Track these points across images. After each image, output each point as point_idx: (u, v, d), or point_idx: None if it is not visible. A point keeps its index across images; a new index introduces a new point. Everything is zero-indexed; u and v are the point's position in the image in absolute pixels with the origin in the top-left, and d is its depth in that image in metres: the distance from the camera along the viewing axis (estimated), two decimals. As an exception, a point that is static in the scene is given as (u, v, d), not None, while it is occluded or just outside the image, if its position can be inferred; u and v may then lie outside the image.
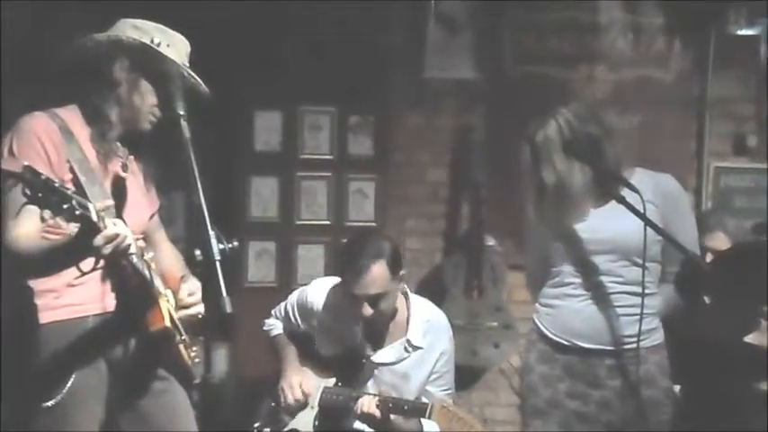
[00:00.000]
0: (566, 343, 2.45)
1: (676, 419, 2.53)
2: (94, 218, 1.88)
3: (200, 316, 2.20)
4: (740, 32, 4.14)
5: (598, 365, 2.43)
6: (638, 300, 2.38)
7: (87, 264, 2.00)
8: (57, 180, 1.84)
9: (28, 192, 1.78)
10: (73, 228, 1.87)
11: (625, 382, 2.42)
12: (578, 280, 2.45)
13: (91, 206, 1.88)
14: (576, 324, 2.44)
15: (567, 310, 2.46)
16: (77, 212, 1.83)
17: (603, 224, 2.41)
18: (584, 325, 2.43)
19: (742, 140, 4.28)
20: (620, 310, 2.41)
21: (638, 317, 2.38)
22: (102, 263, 2.01)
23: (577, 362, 2.44)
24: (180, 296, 2.23)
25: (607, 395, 2.43)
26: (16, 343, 2.15)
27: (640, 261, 2.37)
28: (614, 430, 2.44)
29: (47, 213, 1.80)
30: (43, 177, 1.79)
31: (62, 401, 2.10)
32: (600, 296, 2.42)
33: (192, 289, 2.22)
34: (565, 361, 2.45)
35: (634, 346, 2.39)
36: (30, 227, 1.95)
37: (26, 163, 1.83)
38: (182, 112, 1.94)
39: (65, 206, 1.81)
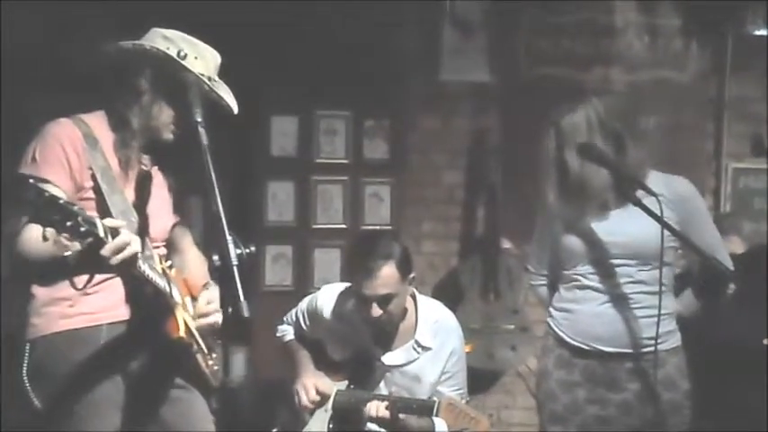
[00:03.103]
0: (585, 347, 2.43)
1: (694, 420, 2.52)
2: (101, 233, 1.86)
3: (216, 326, 2.20)
4: (757, 33, 4.12)
5: (618, 369, 2.41)
6: (655, 301, 2.35)
7: (81, 281, 1.99)
8: (61, 197, 1.82)
9: (30, 210, 1.77)
10: (76, 245, 1.86)
11: (645, 385, 2.40)
12: (596, 283, 2.43)
13: (98, 222, 1.86)
14: (595, 328, 2.42)
15: (585, 314, 2.44)
16: (82, 229, 1.81)
17: (621, 227, 2.40)
18: (604, 328, 2.41)
19: (760, 141, 4.26)
20: (638, 313, 2.38)
21: (656, 319, 2.37)
22: (99, 277, 2.01)
23: (597, 366, 2.42)
24: (198, 304, 2.24)
25: (627, 398, 2.41)
26: (18, 350, 2.15)
27: (655, 263, 2.36)
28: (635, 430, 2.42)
29: (49, 232, 1.79)
30: (47, 195, 1.77)
31: (78, 410, 2.09)
32: (618, 299, 2.40)
33: (210, 297, 2.21)
34: (584, 365, 2.44)
35: (653, 348, 2.38)
36: (39, 235, 1.95)
37: (31, 180, 1.82)
38: (199, 119, 1.94)
39: (68, 223, 1.79)
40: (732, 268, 2.40)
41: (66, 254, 1.89)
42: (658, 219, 2.30)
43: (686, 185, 2.48)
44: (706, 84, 4.22)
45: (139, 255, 1.98)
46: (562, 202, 2.44)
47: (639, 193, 2.35)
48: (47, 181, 1.99)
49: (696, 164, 4.04)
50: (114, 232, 1.90)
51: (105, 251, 1.88)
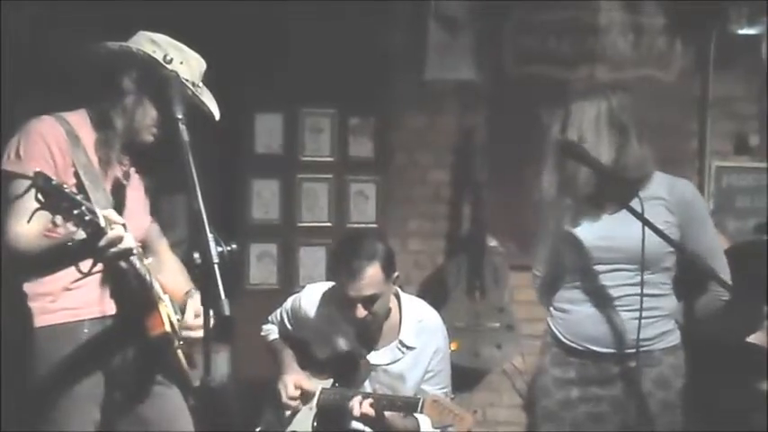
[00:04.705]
0: (578, 347, 2.45)
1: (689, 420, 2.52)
2: (102, 223, 1.90)
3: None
4: (741, 32, 4.13)
5: (611, 369, 2.42)
6: (653, 303, 2.37)
7: (85, 265, 2.01)
8: (67, 185, 1.86)
9: (40, 197, 1.80)
10: (81, 233, 1.89)
11: (638, 385, 2.41)
12: (594, 285, 2.43)
13: (99, 212, 1.90)
14: (589, 328, 2.44)
15: (580, 315, 2.46)
16: (87, 218, 1.85)
17: (617, 231, 2.40)
18: (598, 329, 2.42)
19: (744, 140, 4.27)
20: (634, 314, 2.39)
21: (653, 320, 2.39)
22: (99, 266, 2.02)
23: (591, 365, 2.43)
24: (186, 317, 2.24)
25: (620, 398, 2.42)
26: (15, 345, 2.16)
27: (655, 268, 2.36)
28: (627, 430, 2.43)
29: (59, 219, 1.83)
30: (54, 183, 1.82)
31: (58, 405, 2.11)
32: (615, 301, 2.41)
33: (198, 310, 2.21)
34: (578, 364, 2.45)
35: (649, 348, 2.39)
36: (31, 226, 1.96)
37: (38, 169, 1.85)
38: (180, 116, 1.95)
39: (75, 211, 1.83)
40: (729, 278, 2.40)
41: (70, 243, 1.92)
42: (639, 216, 2.30)
43: (689, 189, 2.49)
44: (690, 82, 4.23)
45: (134, 249, 2.00)
46: (558, 188, 2.43)
47: (645, 194, 2.35)
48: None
49: (680, 162, 4.05)
50: (111, 224, 1.93)
51: (102, 242, 1.90)
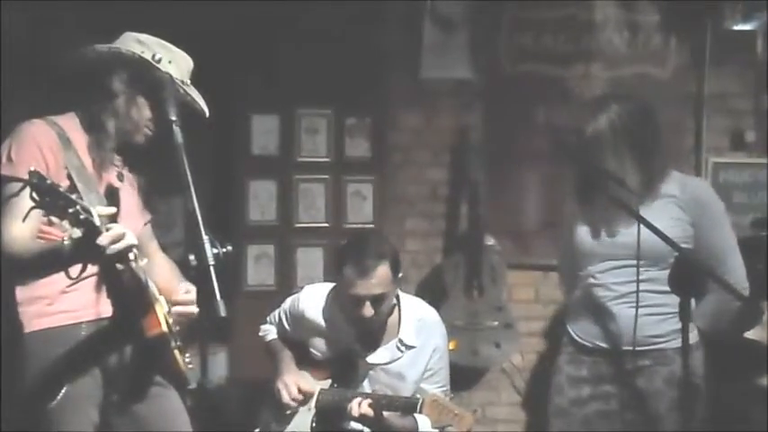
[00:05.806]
0: (590, 345, 2.46)
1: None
2: (97, 222, 1.90)
3: (194, 315, 2.21)
4: (737, 28, 4.13)
5: (622, 366, 2.42)
6: (661, 300, 2.37)
7: (75, 270, 2.00)
8: (61, 185, 1.87)
9: (36, 196, 1.80)
10: (77, 231, 1.89)
11: (649, 383, 2.41)
12: (604, 283, 2.44)
13: (93, 210, 1.91)
14: (600, 326, 2.44)
15: (592, 313, 2.47)
16: (82, 216, 1.86)
17: (621, 227, 2.40)
18: (608, 327, 2.43)
19: (740, 136, 4.27)
20: (643, 311, 2.39)
21: (665, 317, 2.39)
22: (89, 270, 2.01)
23: (603, 363, 2.44)
24: (177, 294, 2.24)
25: (630, 395, 2.42)
26: (15, 347, 2.16)
27: (663, 264, 2.36)
28: (637, 429, 2.43)
29: (54, 218, 1.84)
30: (49, 182, 1.82)
31: (57, 407, 2.12)
32: (624, 298, 2.42)
33: (188, 287, 2.22)
34: (590, 362, 2.46)
35: (659, 346, 2.40)
36: (25, 229, 1.96)
37: (33, 168, 1.85)
38: (174, 118, 1.95)
39: (70, 210, 1.84)
40: (745, 281, 2.40)
41: (66, 242, 1.91)
42: (634, 214, 2.30)
43: (702, 189, 2.50)
44: (685, 78, 4.23)
45: (135, 245, 1.99)
46: (588, 207, 2.43)
47: (665, 190, 2.35)
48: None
49: (676, 158, 4.04)
50: (107, 222, 1.93)
51: (102, 240, 1.89)
